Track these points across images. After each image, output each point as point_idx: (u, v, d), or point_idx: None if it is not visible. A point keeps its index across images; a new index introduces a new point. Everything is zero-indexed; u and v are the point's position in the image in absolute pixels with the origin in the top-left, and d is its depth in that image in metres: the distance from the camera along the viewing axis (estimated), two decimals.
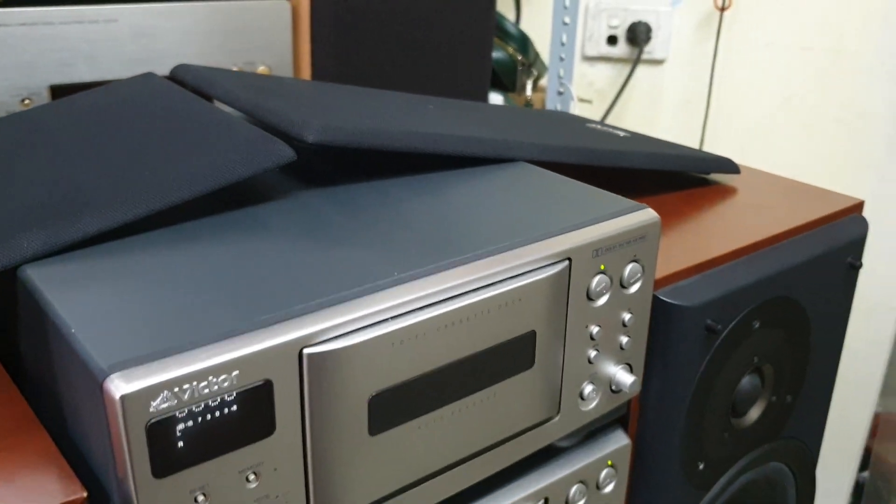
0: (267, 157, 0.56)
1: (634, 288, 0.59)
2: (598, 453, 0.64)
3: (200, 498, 0.42)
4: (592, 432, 0.66)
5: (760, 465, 0.79)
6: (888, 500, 1.57)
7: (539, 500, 0.61)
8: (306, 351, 0.44)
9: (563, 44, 1.40)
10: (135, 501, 0.41)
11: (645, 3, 1.56)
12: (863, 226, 0.78)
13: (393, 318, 0.47)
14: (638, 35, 1.57)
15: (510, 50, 1.37)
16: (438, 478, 0.53)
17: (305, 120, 0.59)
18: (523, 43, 1.39)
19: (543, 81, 1.50)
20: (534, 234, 0.54)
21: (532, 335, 0.53)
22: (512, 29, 1.39)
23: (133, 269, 0.49)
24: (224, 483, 0.43)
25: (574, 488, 0.63)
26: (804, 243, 0.74)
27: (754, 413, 0.76)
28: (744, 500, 0.82)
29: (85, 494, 0.42)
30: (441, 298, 0.48)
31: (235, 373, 0.41)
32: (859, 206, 0.80)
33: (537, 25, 1.53)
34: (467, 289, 0.49)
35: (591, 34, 1.61)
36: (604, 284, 0.57)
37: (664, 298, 0.64)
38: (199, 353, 0.41)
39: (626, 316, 0.59)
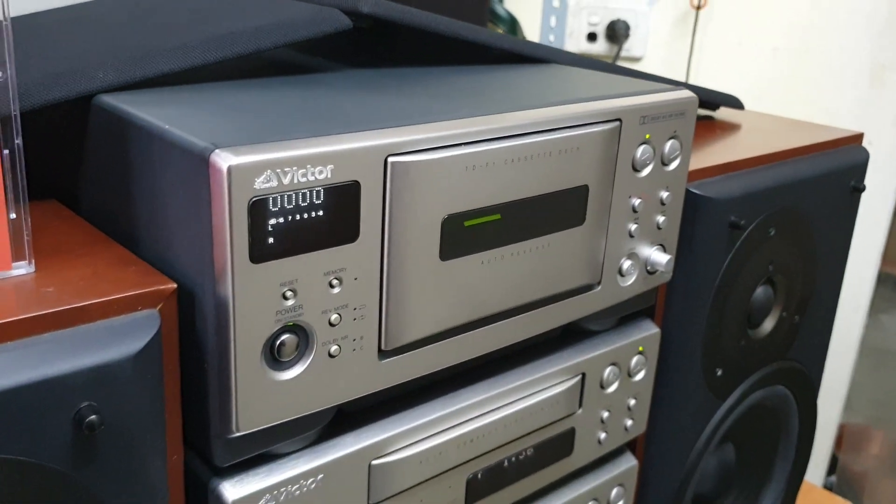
0: (327, 21, 0.57)
1: (674, 165, 0.61)
2: (629, 338, 0.66)
3: (289, 293, 0.43)
4: (623, 320, 0.68)
5: (770, 384, 0.82)
6: None
7: (577, 375, 0.62)
8: (391, 159, 0.45)
9: (552, 27, 1.44)
10: (230, 287, 0.41)
11: (624, 2, 1.62)
12: (864, 153, 0.82)
13: (467, 143, 0.48)
14: (617, 32, 1.62)
15: (499, 32, 1.41)
16: (494, 325, 0.54)
17: None
18: (512, 25, 1.43)
19: None
20: (588, 96, 0.56)
21: (585, 190, 0.55)
22: (501, 11, 1.42)
23: (212, 100, 0.50)
24: (311, 283, 0.44)
25: (608, 370, 0.65)
26: (813, 161, 0.77)
27: (767, 325, 0.78)
28: (753, 424, 0.84)
29: (175, 286, 0.43)
30: (509, 134, 0.50)
31: (330, 167, 0.43)
32: (859, 137, 0.84)
33: (522, 9, 1.57)
34: (531, 130, 0.52)
35: (572, 31, 1.66)
36: (648, 154, 0.59)
37: (693, 190, 0.67)
38: (299, 142, 0.42)
39: (665, 194, 0.62)
